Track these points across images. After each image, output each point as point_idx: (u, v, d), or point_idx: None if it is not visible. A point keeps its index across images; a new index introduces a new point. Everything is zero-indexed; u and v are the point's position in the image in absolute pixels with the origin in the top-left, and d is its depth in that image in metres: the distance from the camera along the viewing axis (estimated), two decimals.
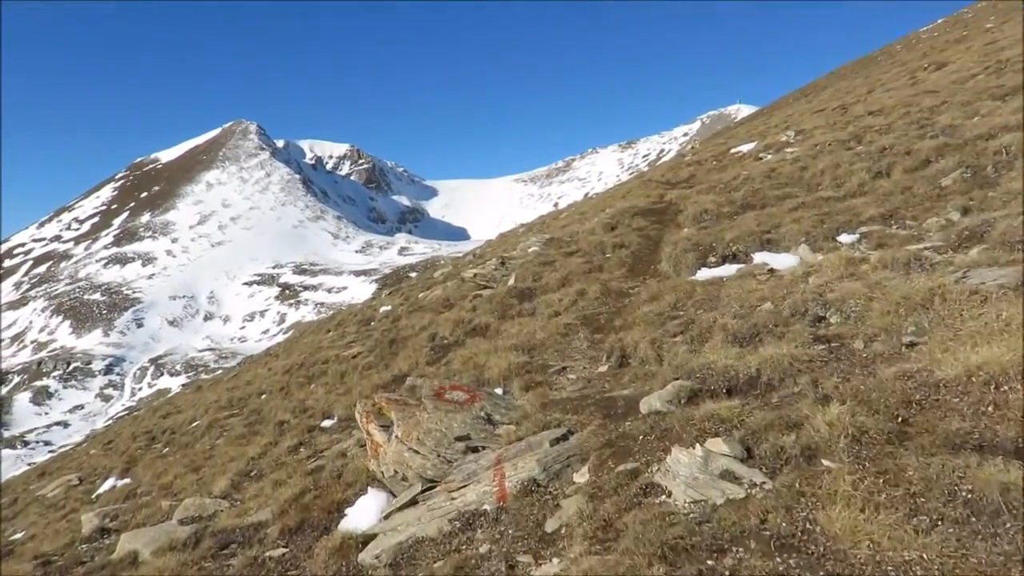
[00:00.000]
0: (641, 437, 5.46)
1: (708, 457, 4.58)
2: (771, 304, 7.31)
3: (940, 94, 17.05)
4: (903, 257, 6.90)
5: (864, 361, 5.32)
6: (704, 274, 10.21)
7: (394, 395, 7.54)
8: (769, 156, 19.47)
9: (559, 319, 10.90)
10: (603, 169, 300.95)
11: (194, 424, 20.71)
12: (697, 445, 4.72)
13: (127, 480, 17.16)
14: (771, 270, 9.10)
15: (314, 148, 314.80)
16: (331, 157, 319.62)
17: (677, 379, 6.10)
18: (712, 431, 4.98)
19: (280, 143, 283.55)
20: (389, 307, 28.52)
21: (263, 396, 19.22)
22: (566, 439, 5.92)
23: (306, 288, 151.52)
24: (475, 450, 6.39)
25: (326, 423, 11.79)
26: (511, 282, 16.22)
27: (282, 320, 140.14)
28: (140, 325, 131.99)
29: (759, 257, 9.79)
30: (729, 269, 9.95)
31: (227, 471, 11.10)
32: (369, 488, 6.77)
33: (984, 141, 10.47)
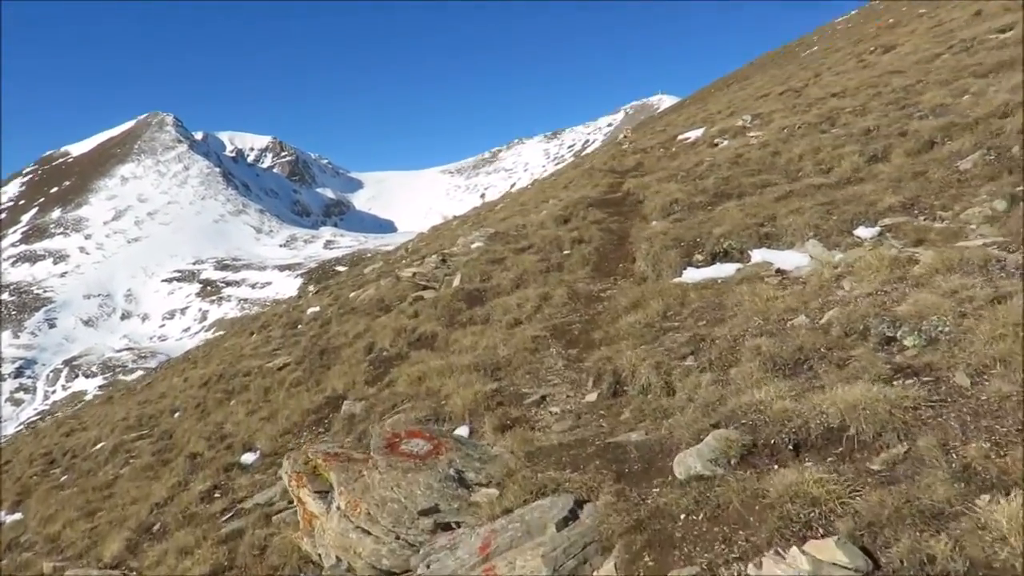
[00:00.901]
0: (684, 517, 3.93)
1: (817, 570, 3.07)
2: (806, 318, 5.87)
3: (908, 74, 16.06)
4: (975, 258, 5.52)
5: (987, 407, 3.89)
6: (692, 275, 8.76)
7: (332, 447, 5.82)
8: (726, 142, 18.26)
9: (523, 330, 9.31)
10: (529, 160, 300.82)
11: (98, 446, 18.41)
12: (795, 550, 3.21)
13: (17, 516, 14.93)
14: (780, 271, 7.70)
15: (234, 140, 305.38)
16: (252, 149, 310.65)
17: (716, 426, 4.58)
18: (802, 519, 3.47)
19: (199, 135, 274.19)
20: (317, 308, 26.49)
21: (176, 415, 17.11)
22: (575, 516, 4.34)
23: (229, 284, 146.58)
24: (447, 527, 4.76)
25: (247, 458, 9.94)
26: (456, 282, 14.56)
27: (204, 317, 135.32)
28: (52, 325, 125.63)
29: (758, 255, 8.39)
30: (723, 269, 8.52)
31: (125, 522, 9.18)
32: None
33: (999, 119, 9.31)
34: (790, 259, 7.91)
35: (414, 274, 17.41)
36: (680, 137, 24.44)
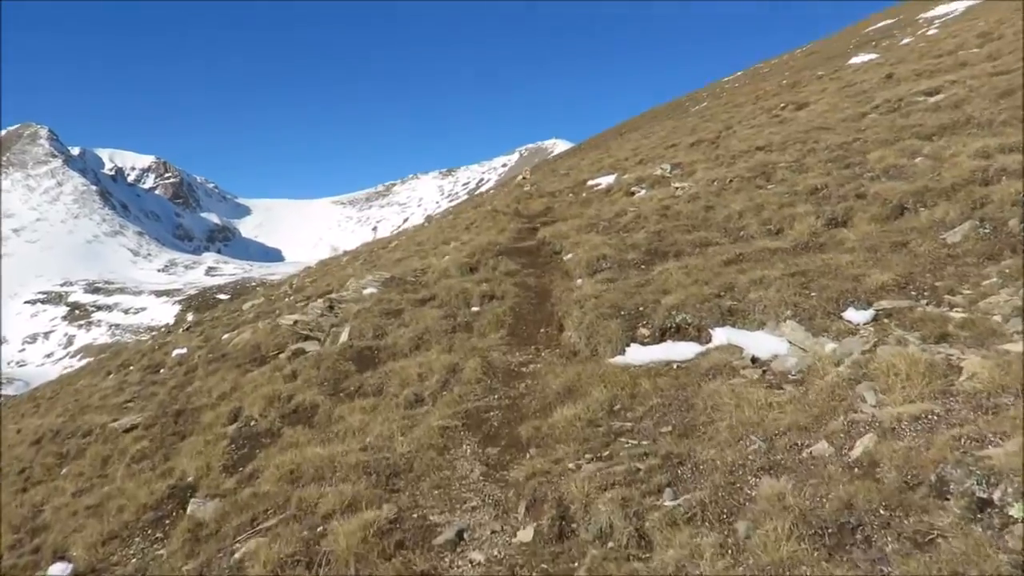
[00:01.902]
0: None
1: None
2: (829, 446, 4.30)
3: (837, 131, 15.27)
4: None
5: None
6: (639, 355, 7.15)
7: None
8: (644, 191, 17.05)
9: (427, 414, 7.46)
10: (424, 195, 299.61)
11: None
12: None
13: None
14: (756, 361, 6.17)
15: (115, 158, 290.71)
16: (134, 169, 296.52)
17: None
18: None
19: (75, 151, 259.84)
20: (185, 350, 23.71)
21: None
22: None
23: (99, 308, 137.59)
24: None
25: (56, 571, 7.57)
26: (344, 337, 12.55)
27: (70, 343, 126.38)
28: None
29: (721, 335, 6.86)
30: (678, 350, 6.95)
31: None
32: None
33: (980, 187, 8.21)
34: (764, 344, 6.41)
35: (295, 322, 15.21)
36: (590, 183, 23.25)
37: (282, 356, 13.87)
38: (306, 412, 9.56)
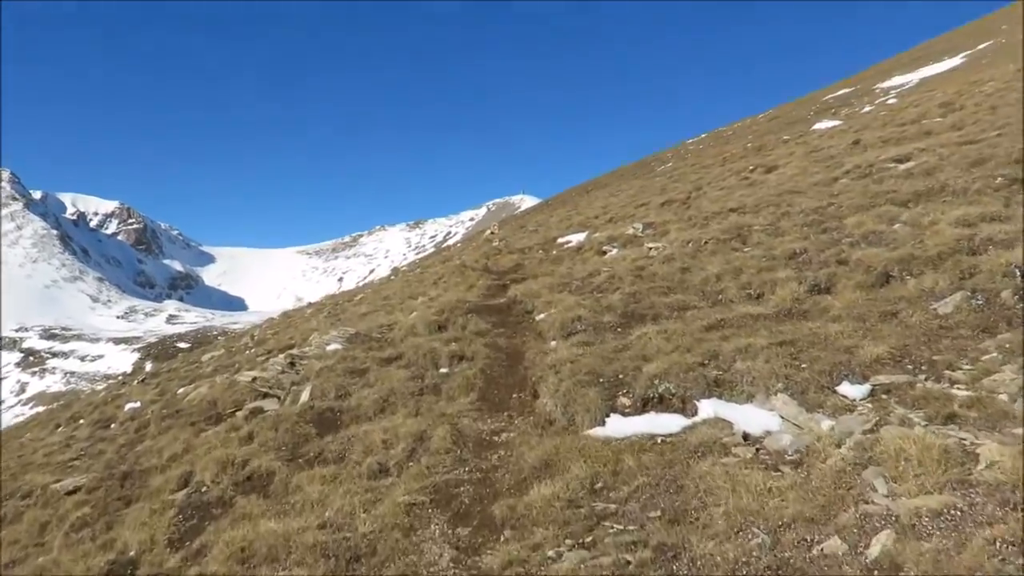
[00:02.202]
0: None
1: None
2: (842, 543, 3.89)
3: (809, 195, 15.24)
4: None
5: None
6: (620, 427, 6.72)
7: None
8: (616, 250, 16.85)
9: (392, 488, 6.93)
10: (391, 247, 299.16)
11: None
12: None
13: None
14: (748, 437, 5.78)
15: (78, 203, 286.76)
16: (96, 214, 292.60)
17: None
18: None
19: (37, 194, 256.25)
20: (138, 404, 22.81)
21: None
22: None
23: (55, 355, 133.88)
24: None
25: None
26: (305, 397, 11.96)
27: (22, 390, 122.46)
28: None
29: (708, 407, 6.46)
30: (662, 423, 6.53)
31: None
32: None
33: (968, 256, 8.02)
34: (754, 418, 6.03)
35: (254, 379, 14.55)
36: (561, 240, 23.08)
37: (239, 415, 13.24)
38: (261, 480, 8.95)
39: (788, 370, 6.40)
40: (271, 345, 25.96)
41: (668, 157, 64.53)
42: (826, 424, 5.47)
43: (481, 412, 8.64)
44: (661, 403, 6.93)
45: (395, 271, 64.82)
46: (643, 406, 7.00)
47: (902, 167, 15.14)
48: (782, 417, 5.88)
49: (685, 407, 6.70)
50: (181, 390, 22.14)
